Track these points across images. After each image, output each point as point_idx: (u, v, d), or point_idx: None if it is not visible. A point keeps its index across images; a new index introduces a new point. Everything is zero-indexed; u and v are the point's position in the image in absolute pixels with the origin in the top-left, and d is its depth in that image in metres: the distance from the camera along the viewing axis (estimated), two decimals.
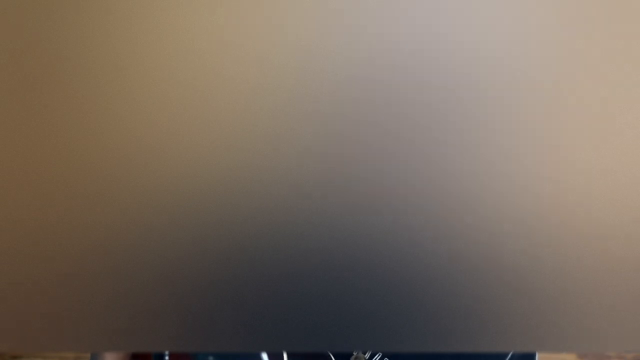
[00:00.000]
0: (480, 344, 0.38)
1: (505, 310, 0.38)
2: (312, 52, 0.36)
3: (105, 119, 0.37)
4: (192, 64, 0.36)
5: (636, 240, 0.38)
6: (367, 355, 0.76)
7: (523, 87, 0.37)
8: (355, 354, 0.77)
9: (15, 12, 0.36)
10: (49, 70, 0.36)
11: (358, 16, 0.36)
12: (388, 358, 0.76)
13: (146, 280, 0.38)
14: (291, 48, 0.36)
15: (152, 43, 0.36)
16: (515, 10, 0.36)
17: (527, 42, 0.36)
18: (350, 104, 0.37)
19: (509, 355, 0.76)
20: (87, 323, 0.38)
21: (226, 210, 0.38)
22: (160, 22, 0.36)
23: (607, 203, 0.38)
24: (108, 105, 0.37)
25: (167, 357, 0.81)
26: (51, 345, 0.38)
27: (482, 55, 0.36)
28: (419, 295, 0.38)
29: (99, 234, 0.38)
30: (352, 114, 0.37)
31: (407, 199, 0.37)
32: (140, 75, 0.36)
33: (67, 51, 0.36)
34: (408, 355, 0.75)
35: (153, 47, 0.36)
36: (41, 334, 0.38)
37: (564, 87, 0.37)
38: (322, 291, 0.38)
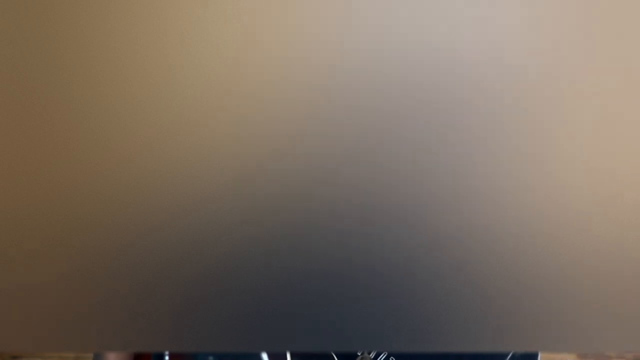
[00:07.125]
0: (481, 344, 0.38)
1: (506, 310, 0.38)
2: (313, 54, 0.36)
3: (105, 119, 0.37)
4: (193, 64, 0.36)
5: (637, 240, 0.38)
6: (372, 355, 0.76)
7: (523, 89, 0.37)
8: (360, 353, 0.77)
9: (15, 12, 0.36)
10: (49, 70, 0.36)
11: (361, 20, 0.36)
12: (394, 357, 0.77)
13: (146, 280, 0.38)
14: (292, 51, 0.36)
15: (152, 43, 0.36)
16: (516, 11, 0.36)
17: (529, 43, 0.36)
18: (350, 106, 0.37)
19: (509, 355, 0.76)
20: (87, 323, 0.38)
21: (228, 210, 0.38)
22: (161, 23, 0.36)
23: (608, 204, 0.38)
24: (108, 105, 0.37)
25: (167, 357, 0.81)
26: (51, 345, 0.38)
27: (486, 56, 0.36)
28: (419, 296, 0.38)
29: (99, 234, 0.38)
30: (353, 116, 0.37)
31: (410, 200, 0.37)
32: (140, 75, 0.36)
33: (66, 51, 0.36)
34: (414, 354, 0.75)
35: (154, 48, 0.36)
36: (41, 334, 0.38)
37: (565, 87, 0.37)
38: (323, 292, 0.38)
